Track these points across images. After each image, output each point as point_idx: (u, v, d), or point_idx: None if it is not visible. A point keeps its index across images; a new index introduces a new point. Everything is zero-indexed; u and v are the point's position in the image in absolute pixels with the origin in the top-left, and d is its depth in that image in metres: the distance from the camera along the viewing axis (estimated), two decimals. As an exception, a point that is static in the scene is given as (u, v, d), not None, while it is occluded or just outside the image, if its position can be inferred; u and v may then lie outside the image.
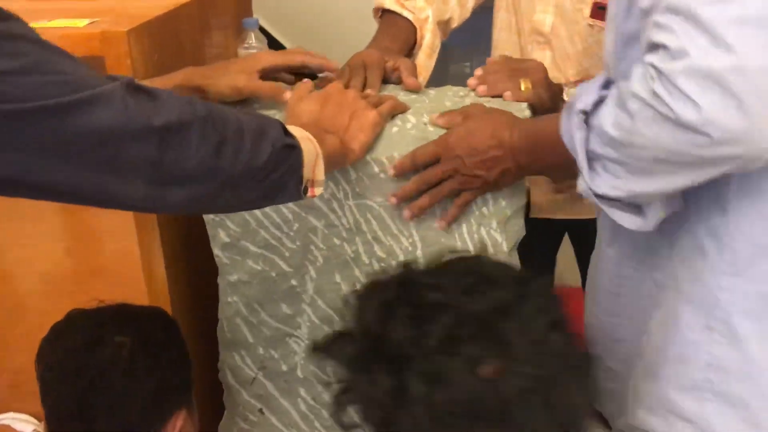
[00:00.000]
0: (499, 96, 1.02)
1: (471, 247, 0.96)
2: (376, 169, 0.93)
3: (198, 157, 0.69)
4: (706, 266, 0.78)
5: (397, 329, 0.67)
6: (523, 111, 0.98)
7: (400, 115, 0.98)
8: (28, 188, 0.66)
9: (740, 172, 0.70)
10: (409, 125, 0.95)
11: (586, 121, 0.75)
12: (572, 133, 0.76)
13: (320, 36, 2.10)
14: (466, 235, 0.96)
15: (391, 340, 0.67)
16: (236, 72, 0.98)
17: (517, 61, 1.14)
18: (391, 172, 0.92)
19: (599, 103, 0.74)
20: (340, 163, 0.89)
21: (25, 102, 0.60)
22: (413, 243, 0.97)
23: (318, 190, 0.83)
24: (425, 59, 1.16)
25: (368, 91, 1.00)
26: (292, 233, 1.00)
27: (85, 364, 0.91)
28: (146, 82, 0.98)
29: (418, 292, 0.68)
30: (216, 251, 1.03)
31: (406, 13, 1.14)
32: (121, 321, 0.95)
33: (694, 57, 0.62)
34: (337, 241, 0.99)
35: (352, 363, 0.70)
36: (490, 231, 0.95)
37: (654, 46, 0.66)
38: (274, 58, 1.02)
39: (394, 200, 0.93)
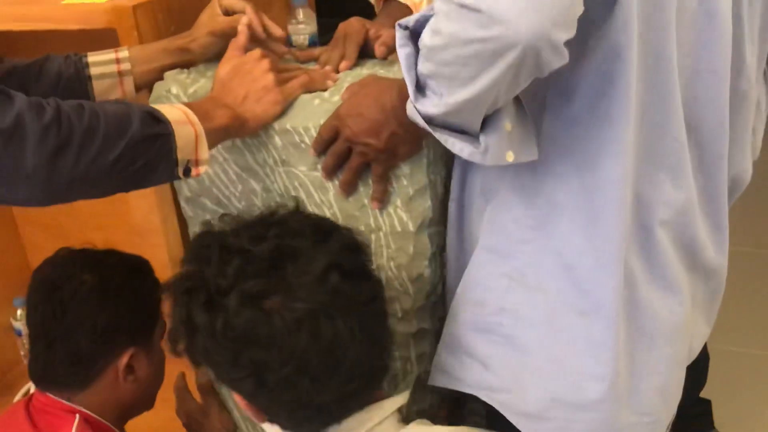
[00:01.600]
0: None
1: (382, 222, 0.99)
2: (297, 139, 0.98)
3: (32, 162, 0.77)
4: (510, 219, 0.85)
5: (204, 269, 0.81)
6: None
7: (337, 86, 1.01)
8: None
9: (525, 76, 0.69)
10: (333, 98, 1.00)
11: (413, 39, 0.76)
12: (399, 50, 0.77)
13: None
14: (377, 212, 0.99)
15: (203, 278, 0.81)
16: (206, 21, 1.09)
17: None
18: (311, 152, 0.97)
19: (425, 20, 0.74)
20: (235, 134, 0.96)
21: None
22: (334, 214, 1.02)
23: (202, 168, 0.91)
24: None
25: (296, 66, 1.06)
26: (237, 194, 1.09)
27: (51, 295, 1.07)
28: (136, 48, 1.13)
29: (225, 239, 0.82)
30: (182, 204, 1.15)
31: None
32: (91, 263, 1.09)
33: None
34: (273, 205, 1.07)
35: (176, 298, 0.82)
36: (396, 209, 0.97)
37: None
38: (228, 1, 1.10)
39: (324, 175, 0.99)
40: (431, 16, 0.72)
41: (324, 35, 1.52)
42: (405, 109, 0.85)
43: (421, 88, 0.76)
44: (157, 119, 0.86)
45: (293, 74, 1.01)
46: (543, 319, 0.86)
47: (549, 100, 0.81)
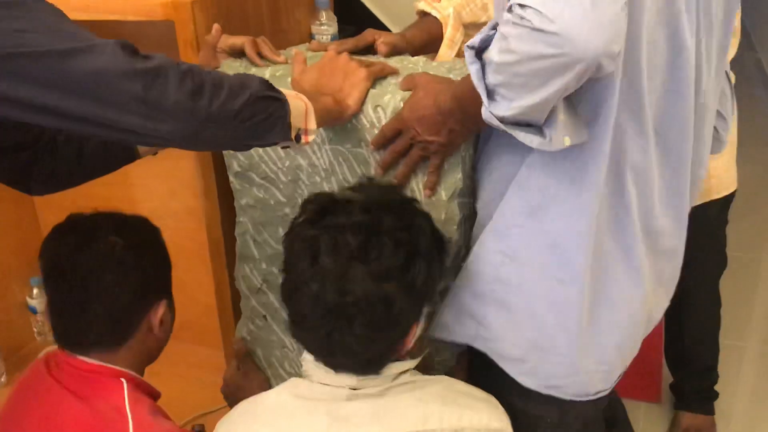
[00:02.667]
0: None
1: (417, 194, 1.13)
2: (345, 120, 1.13)
3: (175, 98, 0.87)
4: (508, 206, 1.05)
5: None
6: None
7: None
8: (53, 116, 0.86)
9: (584, 80, 0.86)
10: (379, 85, 1.13)
11: (479, 57, 0.91)
12: (469, 67, 0.92)
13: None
14: (413, 183, 1.13)
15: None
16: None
17: None
18: (371, 147, 1.11)
19: (488, 40, 0.89)
20: (338, 118, 1.09)
21: (38, 47, 0.84)
22: (374, 186, 1.16)
23: (311, 137, 1.02)
24: (446, 50, 1.34)
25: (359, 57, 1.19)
26: (284, 168, 1.23)
27: (80, 260, 1.11)
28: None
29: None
30: (231, 178, 1.28)
31: (434, 12, 1.34)
32: (112, 225, 1.15)
33: None
34: (317, 179, 1.21)
35: None
36: (432, 181, 1.12)
37: None
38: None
39: (380, 171, 1.13)
40: (493, 35, 0.87)
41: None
42: (459, 108, 1.01)
43: (491, 95, 0.91)
44: (272, 87, 0.98)
45: (371, 62, 1.15)
46: (529, 287, 1.07)
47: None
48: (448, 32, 1.34)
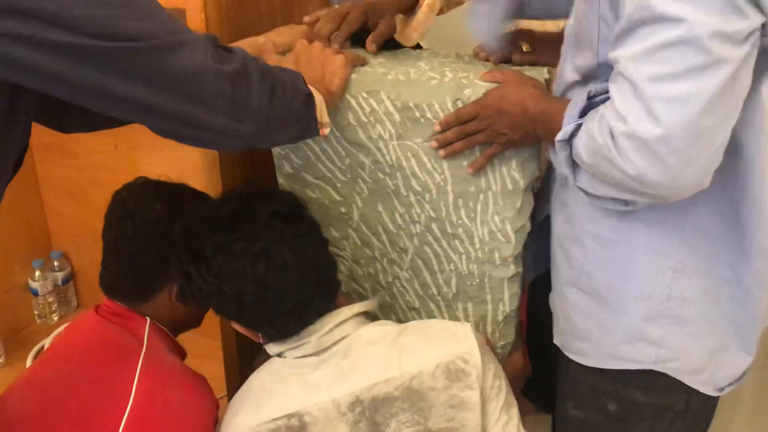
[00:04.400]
0: (509, 60, 1.21)
1: (493, 182, 1.15)
2: (417, 114, 1.12)
3: (258, 98, 0.90)
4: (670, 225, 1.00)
5: (187, 236, 1.11)
6: (543, 74, 1.16)
7: (438, 70, 1.16)
8: (139, 110, 0.84)
9: None
10: (446, 79, 1.13)
11: (570, 141, 0.93)
12: (558, 150, 0.95)
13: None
14: (489, 173, 1.15)
15: (187, 242, 1.10)
16: None
17: None
18: (437, 127, 1.11)
19: (576, 131, 0.93)
20: (329, 104, 1.08)
21: (133, 41, 0.79)
22: (444, 179, 1.16)
23: (326, 130, 1.04)
24: (423, 15, 1.29)
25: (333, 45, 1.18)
26: (344, 167, 1.20)
27: (126, 218, 1.20)
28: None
29: (197, 213, 1.12)
30: (280, 180, 1.23)
31: None
32: (164, 194, 1.22)
33: (631, 122, 0.82)
34: (381, 176, 1.19)
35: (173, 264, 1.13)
36: (510, 170, 1.13)
37: (611, 96, 0.86)
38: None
39: (435, 144, 1.12)
40: (580, 126, 0.91)
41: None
42: (544, 124, 1.02)
43: (576, 169, 0.95)
44: (305, 82, 1.00)
45: (341, 51, 1.16)
46: (703, 296, 1.02)
47: None
48: None
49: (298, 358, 1.11)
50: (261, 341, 1.15)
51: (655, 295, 1.02)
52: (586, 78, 1.00)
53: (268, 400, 1.09)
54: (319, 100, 1.02)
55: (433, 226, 1.22)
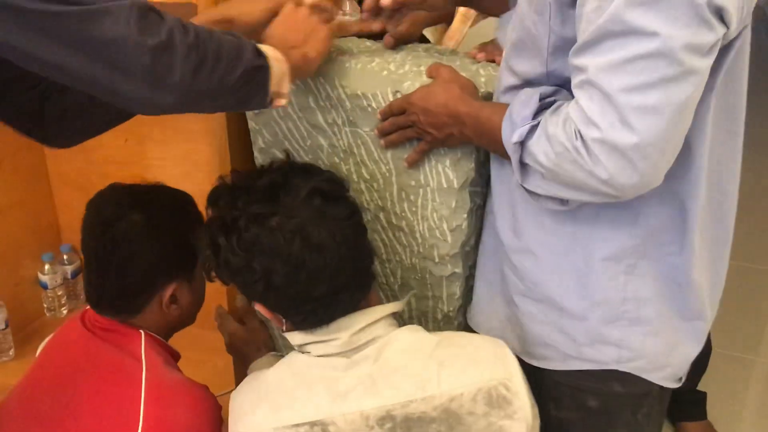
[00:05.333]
0: (493, 61, 1.23)
1: (431, 179, 1.19)
2: (365, 103, 1.17)
3: (180, 71, 0.89)
4: (623, 233, 1.03)
5: (220, 205, 1.07)
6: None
7: (401, 62, 1.19)
8: (63, 74, 0.87)
9: None
10: (400, 70, 1.17)
11: (522, 143, 0.95)
12: (509, 151, 0.97)
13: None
14: (427, 169, 1.18)
15: (219, 211, 1.07)
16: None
17: None
18: (379, 116, 1.16)
19: (533, 129, 0.94)
20: (304, 72, 1.10)
21: (60, 4, 0.82)
22: (389, 170, 1.21)
23: (283, 101, 1.03)
24: (458, 24, 1.37)
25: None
26: (306, 147, 1.28)
27: (104, 232, 1.17)
28: (193, 19, 1.20)
29: (233, 183, 1.09)
30: (255, 153, 1.34)
31: None
32: (141, 201, 1.19)
33: (605, 130, 0.85)
34: (336, 160, 1.26)
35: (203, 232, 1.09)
36: (445, 168, 1.16)
37: (577, 101, 0.88)
38: None
39: (376, 133, 1.18)
40: (535, 127, 0.93)
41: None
42: (472, 128, 1.05)
43: (524, 169, 0.97)
44: (259, 53, 0.99)
45: (330, 15, 1.18)
46: (655, 295, 1.06)
47: None
48: (461, 8, 1.36)
49: (325, 357, 1.05)
50: (284, 328, 1.09)
51: (611, 299, 1.06)
52: (527, 84, 1.02)
53: (291, 404, 1.03)
54: (278, 71, 1.01)
55: (381, 215, 1.27)
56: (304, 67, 1.10)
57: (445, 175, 1.17)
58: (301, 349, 1.08)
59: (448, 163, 1.16)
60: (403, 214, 1.24)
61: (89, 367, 1.15)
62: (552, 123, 0.91)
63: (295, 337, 1.07)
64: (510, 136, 0.97)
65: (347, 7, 1.67)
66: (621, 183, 0.87)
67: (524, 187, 1.00)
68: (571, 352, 1.11)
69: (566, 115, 0.90)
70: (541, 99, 0.96)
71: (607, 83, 0.84)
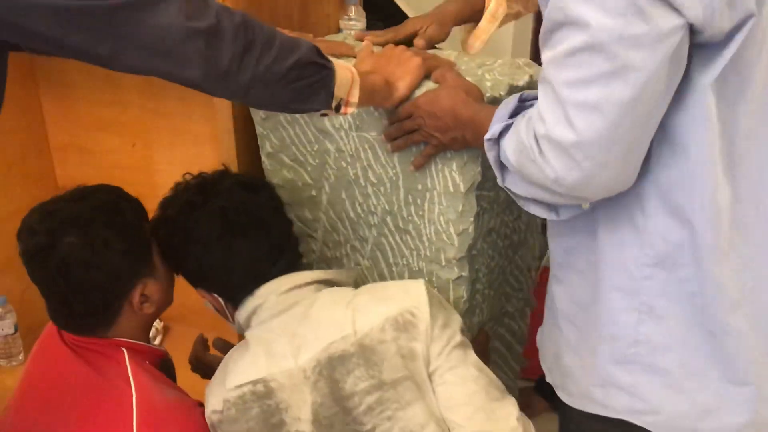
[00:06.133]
0: None
1: (437, 182, 1.20)
2: (372, 108, 1.19)
3: (230, 55, 0.88)
4: (630, 258, 0.92)
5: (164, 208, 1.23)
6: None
7: None
8: (121, 66, 0.87)
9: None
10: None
11: (498, 141, 0.94)
12: (487, 150, 0.96)
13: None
14: (434, 172, 1.19)
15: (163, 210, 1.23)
16: None
17: None
18: (386, 121, 1.17)
19: (507, 128, 0.93)
20: (385, 97, 1.12)
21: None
22: (396, 174, 1.22)
23: (350, 110, 1.04)
24: (486, 23, 1.35)
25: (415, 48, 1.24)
26: (313, 152, 1.29)
27: (48, 259, 1.09)
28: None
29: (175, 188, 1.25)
30: (263, 158, 1.35)
31: None
32: (70, 221, 1.10)
33: (550, 126, 0.82)
34: (343, 164, 1.27)
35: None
36: (451, 172, 1.17)
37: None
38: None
39: (383, 137, 1.19)
40: (510, 125, 0.92)
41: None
42: (472, 130, 1.05)
43: (504, 169, 0.95)
44: (321, 54, 1.00)
45: (427, 55, 1.20)
46: (677, 342, 0.92)
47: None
48: (490, 7, 1.34)
49: (263, 324, 1.14)
50: (228, 311, 1.21)
51: (620, 336, 0.95)
52: None
53: (235, 370, 1.12)
54: (344, 77, 1.01)
55: (388, 219, 1.28)
56: (385, 93, 1.11)
57: (452, 178, 1.18)
58: (248, 325, 1.18)
59: (454, 166, 1.17)
60: (410, 217, 1.25)
61: (77, 393, 1.12)
62: (520, 121, 0.91)
63: (240, 314, 1.18)
64: (485, 137, 0.96)
65: (353, 12, 1.69)
66: (568, 182, 0.84)
67: (507, 188, 0.97)
68: (585, 391, 1.01)
69: (530, 113, 0.88)
70: (521, 101, 0.95)
71: (554, 77, 0.81)
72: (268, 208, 1.20)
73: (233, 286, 1.18)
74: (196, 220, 1.16)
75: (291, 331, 1.12)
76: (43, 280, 1.13)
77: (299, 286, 1.16)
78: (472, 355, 1.11)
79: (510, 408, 1.09)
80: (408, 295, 1.11)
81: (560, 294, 1.04)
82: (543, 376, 1.14)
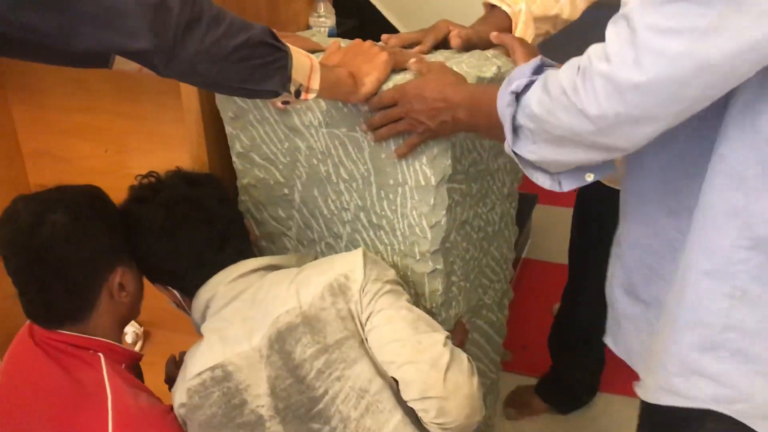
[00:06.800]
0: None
1: (408, 177, 1.20)
2: (340, 104, 1.19)
3: (174, 27, 0.89)
4: (728, 243, 0.86)
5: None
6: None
7: None
8: (76, 43, 0.86)
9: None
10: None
11: (517, 99, 0.92)
12: (503, 107, 0.94)
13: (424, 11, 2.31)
14: (404, 167, 1.19)
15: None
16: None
17: None
18: (366, 107, 1.16)
19: (530, 85, 0.91)
20: (349, 92, 1.11)
21: None
22: (368, 170, 1.22)
23: (311, 96, 1.04)
24: (520, 32, 1.33)
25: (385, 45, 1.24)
26: (284, 150, 1.29)
27: (30, 241, 1.11)
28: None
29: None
30: (234, 158, 1.35)
31: (504, 6, 1.33)
32: (55, 203, 1.14)
33: (615, 65, 0.77)
34: (315, 161, 1.27)
35: None
36: (422, 165, 1.17)
37: (606, 36, 0.79)
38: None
39: (365, 127, 1.17)
40: (534, 82, 0.90)
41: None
42: (467, 111, 1.04)
43: (517, 132, 0.93)
44: (275, 37, 0.99)
45: (394, 50, 1.19)
46: None
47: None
48: (519, 28, 1.33)
49: (217, 314, 1.19)
50: (185, 306, 1.25)
51: (710, 323, 0.90)
52: None
53: (194, 361, 1.15)
54: (302, 63, 1.01)
55: (361, 215, 1.28)
56: (350, 88, 1.11)
57: (423, 172, 1.18)
58: (203, 319, 1.22)
59: (424, 160, 1.17)
60: (383, 212, 1.25)
61: (53, 398, 1.11)
62: (553, 73, 0.87)
63: (194, 312, 1.23)
64: (506, 90, 0.93)
65: (321, 9, 1.68)
66: (608, 123, 0.80)
67: (516, 155, 0.95)
68: (662, 382, 0.96)
69: (575, 61, 0.84)
70: (541, 63, 0.94)
71: (639, 18, 0.76)
72: (212, 198, 1.25)
73: (183, 275, 1.23)
74: (142, 213, 1.22)
75: (242, 315, 1.17)
76: (25, 265, 1.14)
77: (245, 274, 1.21)
78: (404, 299, 1.15)
79: (437, 336, 1.11)
80: (345, 262, 1.16)
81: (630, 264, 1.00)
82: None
